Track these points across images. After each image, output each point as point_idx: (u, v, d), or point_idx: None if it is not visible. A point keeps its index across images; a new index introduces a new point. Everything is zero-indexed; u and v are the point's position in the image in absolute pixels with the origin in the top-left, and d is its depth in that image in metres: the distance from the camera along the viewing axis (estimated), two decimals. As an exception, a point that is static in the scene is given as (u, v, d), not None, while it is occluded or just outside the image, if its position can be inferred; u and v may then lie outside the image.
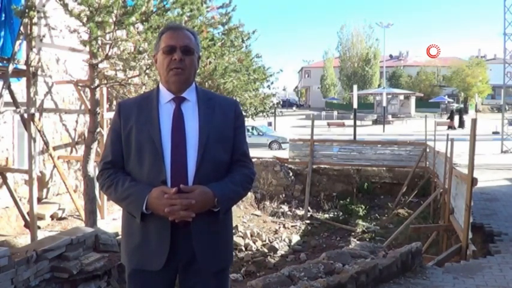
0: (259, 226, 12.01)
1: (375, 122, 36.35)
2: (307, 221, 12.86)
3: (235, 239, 10.48)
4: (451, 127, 28.03)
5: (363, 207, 13.36)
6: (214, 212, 1.86)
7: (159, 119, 1.91)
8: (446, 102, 44.62)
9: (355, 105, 23.07)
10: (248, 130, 22.13)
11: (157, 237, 1.86)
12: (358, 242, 9.37)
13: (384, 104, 35.11)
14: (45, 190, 9.82)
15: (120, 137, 1.95)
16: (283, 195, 14.38)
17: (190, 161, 1.87)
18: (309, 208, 13.65)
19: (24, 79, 8.01)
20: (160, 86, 2.01)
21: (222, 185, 1.87)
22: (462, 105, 34.40)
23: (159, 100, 1.96)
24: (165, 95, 1.97)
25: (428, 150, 13.84)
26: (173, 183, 1.84)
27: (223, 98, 2.25)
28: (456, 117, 30.72)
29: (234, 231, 10.72)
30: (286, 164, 15.19)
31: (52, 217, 9.30)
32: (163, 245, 1.85)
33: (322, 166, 15.09)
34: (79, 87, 9.07)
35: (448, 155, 8.53)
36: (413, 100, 44.26)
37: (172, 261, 1.88)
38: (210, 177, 1.87)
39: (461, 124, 29.50)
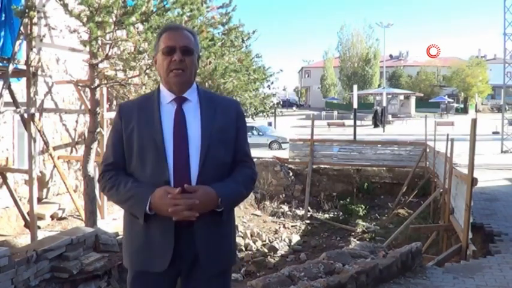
0: (259, 226, 12.01)
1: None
2: (307, 221, 12.87)
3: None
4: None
5: (363, 207, 13.36)
6: (216, 212, 1.86)
7: (161, 120, 1.90)
8: (446, 102, 44.62)
9: (355, 105, 23.06)
10: (248, 130, 22.05)
11: (160, 238, 1.86)
12: (358, 242, 9.37)
13: (384, 104, 35.07)
14: (45, 190, 9.82)
15: (122, 138, 1.94)
16: (283, 195, 14.38)
17: (193, 162, 1.87)
18: (309, 208, 13.65)
19: (24, 79, 8.02)
20: (161, 86, 2.00)
21: (224, 185, 1.88)
22: (381, 107, 32.23)
23: (160, 101, 1.96)
24: (166, 96, 1.96)
25: (428, 150, 13.83)
26: (176, 183, 1.83)
27: (224, 98, 2.27)
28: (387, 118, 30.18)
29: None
30: (286, 164, 15.18)
31: (52, 217, 9.30)
32: (168, 246, 1.84)
33: (322, 166, 15.08)
34: (79, 87, 9.07)
35: (448, 155, 8.53)
36: (413, 100, 44.23)
37: (176, 262, 1.87)
38: (212, 178, 1.87)
39: (379, 124, 28.51)
